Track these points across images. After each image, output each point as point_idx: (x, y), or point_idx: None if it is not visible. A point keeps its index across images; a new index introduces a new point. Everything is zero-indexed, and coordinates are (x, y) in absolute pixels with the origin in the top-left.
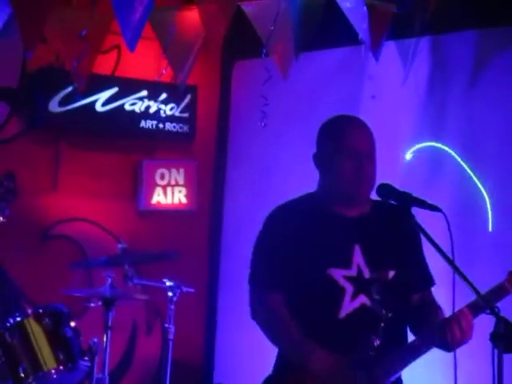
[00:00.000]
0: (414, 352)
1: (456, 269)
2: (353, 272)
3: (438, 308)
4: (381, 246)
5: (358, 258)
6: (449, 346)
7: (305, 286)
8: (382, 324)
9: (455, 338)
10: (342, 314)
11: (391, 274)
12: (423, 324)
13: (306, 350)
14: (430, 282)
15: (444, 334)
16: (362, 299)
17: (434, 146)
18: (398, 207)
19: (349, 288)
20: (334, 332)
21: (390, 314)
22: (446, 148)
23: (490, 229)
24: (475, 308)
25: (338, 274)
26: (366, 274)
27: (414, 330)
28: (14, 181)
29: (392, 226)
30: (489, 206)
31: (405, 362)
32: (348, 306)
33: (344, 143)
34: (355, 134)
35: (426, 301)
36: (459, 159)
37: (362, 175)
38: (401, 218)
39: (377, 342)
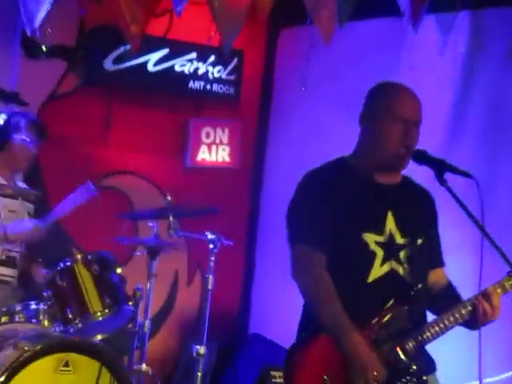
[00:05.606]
0: (443, 327)
1: (486, 234)
2: (385, 237)
3: (454, 287)
4: (411, 215)
5: (390, 223)
6: (477, 322)
7: (337, 248)
8: (412, 292)
9: (486, 313)
10: (371, 278)
11: (419, 242)
12: (444, 300)
13: (346, 327)
14: (442, 261)
15: (475, 309)
16: (392, 265)
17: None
18: (424, 190)
19: (379, 253)
20: (361, 295)
21: (420, 285)
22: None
23: None
24: (502, 286)
25: (371, 239)
26: (398, 240)
27: (433, 306)
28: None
29: (419, 202)
30: None
31: (433, 337)
32: (377, 271)
33: (396, 109)
34: (408, 102)
35: (442, 279)
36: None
37: (408, 143)
38: (426, 199)
39: (406, 310)
